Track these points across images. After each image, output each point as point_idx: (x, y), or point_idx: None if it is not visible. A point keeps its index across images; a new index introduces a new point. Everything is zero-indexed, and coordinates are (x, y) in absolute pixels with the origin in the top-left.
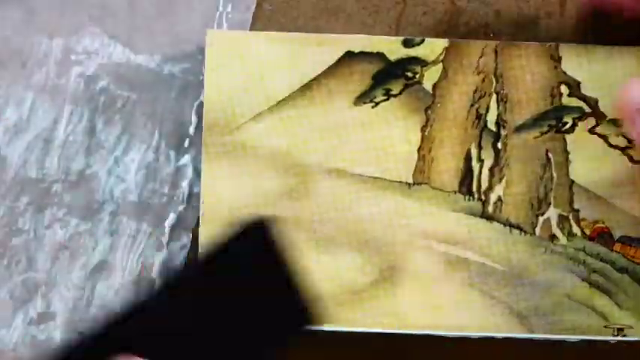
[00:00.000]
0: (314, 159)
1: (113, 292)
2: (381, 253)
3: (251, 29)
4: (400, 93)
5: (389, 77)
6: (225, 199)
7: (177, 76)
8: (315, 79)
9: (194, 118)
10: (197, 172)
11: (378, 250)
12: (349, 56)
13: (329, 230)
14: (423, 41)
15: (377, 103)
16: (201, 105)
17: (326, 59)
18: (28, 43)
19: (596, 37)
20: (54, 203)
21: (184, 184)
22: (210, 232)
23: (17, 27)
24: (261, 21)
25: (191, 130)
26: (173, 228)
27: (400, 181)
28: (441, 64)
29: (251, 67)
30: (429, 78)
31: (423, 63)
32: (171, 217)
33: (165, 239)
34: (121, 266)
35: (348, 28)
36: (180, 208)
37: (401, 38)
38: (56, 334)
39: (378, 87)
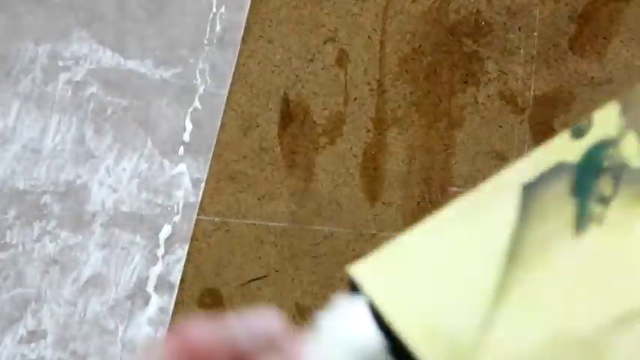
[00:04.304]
0: None
1: (107, 307)
2: None
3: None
4: (616, 189)
5: (589, 183)
6: None
7: (169, 81)
8: (511, 248)
9: (188, 125)
10: (192, 181)
11: None
12: (528, 191)
13: None
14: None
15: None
16: (195, 111)
17: (505, 218)
18: (13, 49)
19: (592, 28)
20: (43, 215)
21: (179, 194)
22: None
23: (1, 32)
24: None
25: (185, 136)
26: (168, 240)
27: None
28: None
29: (430, 277)
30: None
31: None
32: (166, 229)
33: (159, 252)
34: (114, 280)
35: (333, 18)
36: (175, 218)
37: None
38: (47, 352)
39: (586, 200)
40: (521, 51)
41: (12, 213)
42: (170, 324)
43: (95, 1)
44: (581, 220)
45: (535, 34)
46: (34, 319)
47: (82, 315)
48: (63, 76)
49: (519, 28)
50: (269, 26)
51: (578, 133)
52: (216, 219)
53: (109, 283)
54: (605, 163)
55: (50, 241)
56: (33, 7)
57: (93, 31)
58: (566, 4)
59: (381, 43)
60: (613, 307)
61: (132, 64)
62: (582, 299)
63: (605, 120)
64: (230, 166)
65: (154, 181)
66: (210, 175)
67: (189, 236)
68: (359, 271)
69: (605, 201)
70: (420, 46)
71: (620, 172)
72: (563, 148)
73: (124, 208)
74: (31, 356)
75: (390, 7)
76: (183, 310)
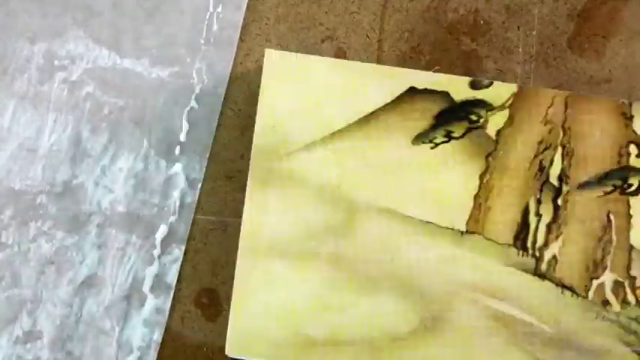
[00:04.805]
0: (364, 196)
1: (103, 308)
2: (424, 302)
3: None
4: (462, 136)
5: (452, 118)
6: (267, 229)
7: (166, 80)
8: (373, 112)
9: (185, 125)
10: (189, 181)
11: (422, 298)
12: (412, 92)
13: (373, 272)
14: (491, 84)
15: (436, 144)
16: (191, 110)
17: (387, 93)
18: (9, 48)
19: (591, 28)
20: (39, 216)
21: (175, 194)
22: (247, 263)
23: None
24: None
25: (182, 137)
26: (164, 240)
27: (452, 228)
28: (507, 110)
29: (308, 92)
30: (494, 123)
31: (489, 107)
32: (162, 229)
33: (156, 252)
34: (110, 281)
35: (331, 16)
36: (172, 219)
37: (468, 79)
38: (43, 353)
39: (439, 127)
40: (520, 50)
41: (7, 213)
42: (166, 324)
43: (91, 0)
44: (422, 138)
45: (534, 32)
46: (30, 319)
47: (78, 315)
48: (59, 76)
49: (518, 27)
50: (266, 24)
51: (475, 85)
52: (212, 219)
53: (105, 284)
54: (473, 116)
55: (46, 242)
56: (28, 6)
57: (89, 29)
58: (565, 3)
59: (379, 41)
60: None
61: (128, 63)
62: None
63: (500, 92)
64: (227, 165)
65: (150, 181)
66: (206, 174)
67: (186, 236)
68: None
69: (449, 136)
70: (419, 44)
71: (476, 128)
72: (456, 87)
73: (120, 209)
74: (27, 356)
75: (388, 5)
76: (180, 311)
